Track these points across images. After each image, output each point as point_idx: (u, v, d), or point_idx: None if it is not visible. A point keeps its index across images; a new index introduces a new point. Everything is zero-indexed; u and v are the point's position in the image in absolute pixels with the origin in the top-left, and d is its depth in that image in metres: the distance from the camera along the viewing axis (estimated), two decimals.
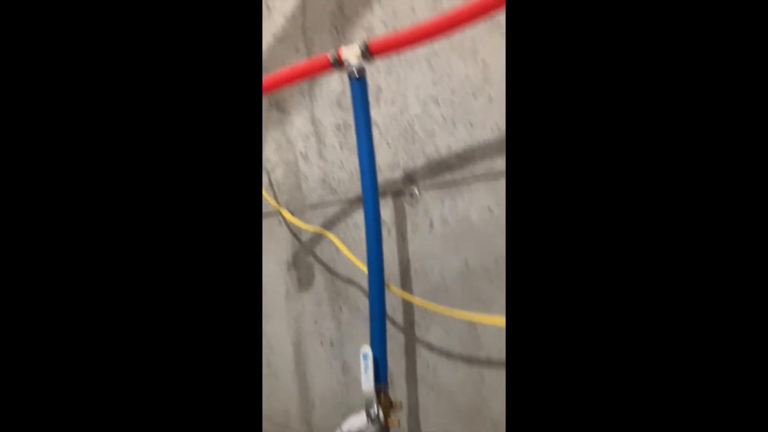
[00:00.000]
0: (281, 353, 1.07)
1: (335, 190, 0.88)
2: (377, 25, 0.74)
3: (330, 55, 0.55)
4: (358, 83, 0.52)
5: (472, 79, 0.66)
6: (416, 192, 0.74)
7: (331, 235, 0.87)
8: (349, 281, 0.88)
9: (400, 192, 0.77)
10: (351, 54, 0.53)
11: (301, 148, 0.94)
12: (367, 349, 0.60)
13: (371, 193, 0.59)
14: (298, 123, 0.94)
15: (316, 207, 0.93)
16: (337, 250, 0.88)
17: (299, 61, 0.89)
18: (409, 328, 0.80)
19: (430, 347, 0.77)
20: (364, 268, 0.81)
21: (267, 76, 0.62)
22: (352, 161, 0.83)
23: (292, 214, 0.99)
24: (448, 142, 0.69)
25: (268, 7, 0.96)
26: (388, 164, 0.77)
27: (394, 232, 0.78)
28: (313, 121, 0.90)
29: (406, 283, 0.78)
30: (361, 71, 0.54)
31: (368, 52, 0.52)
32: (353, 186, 0.84)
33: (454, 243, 0.70)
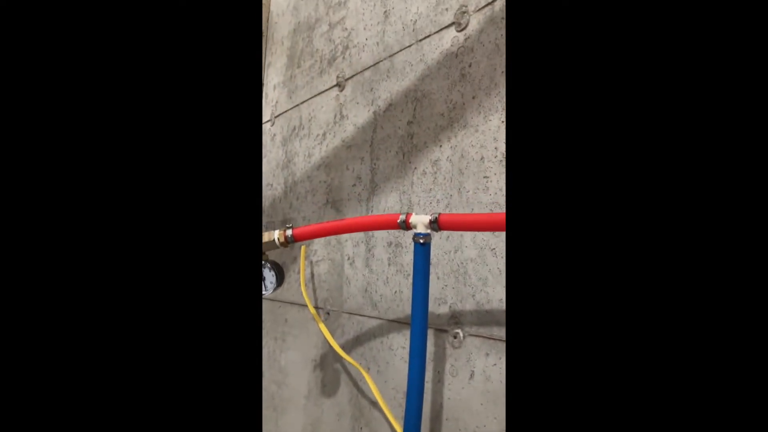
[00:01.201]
0: None
1: (376, 304, 0.86)
2: (444, 162, 0.76)
3: (399, 219, 0.55)
4: (422, 249, 0.52)
5: None
6: (461, 335, 0.70)
7: (360, 368, 0.85)
8: (374, 404, 0.84)
9: (444, 330, 0.74)
10: (420, 222, 0.53)
11: (349, 252, 0.94)
12: None
13: (418, 355, 0.56)
14: None
15: (353, 314, 0.91)
16: (368, 368, 0.85)
17: (362, 169, 0.92)
18: None
19: None
20: (387, 411, 0.78)
21: (332, 223, 0.64)
22: (397, 281, 0.82)
23: (328, 314, 0.97)
24: (501, 295, 0.66)
25: (342, 114, 1.02)
26: (435, 298, 0.75)
27: (430, 369, 0.75)
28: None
29: (435, 430, 0.73)
30: (427, 238, 0.54)
31: (437, 225, 0.52)
32: (394, 306, 0.82)
33: (495, 404, 0.65)
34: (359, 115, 0.97)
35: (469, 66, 0.73)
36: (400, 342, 0.80)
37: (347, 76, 1.01)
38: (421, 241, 0.52)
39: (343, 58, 1.03)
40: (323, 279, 1.00)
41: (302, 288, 1.00)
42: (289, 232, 0.67)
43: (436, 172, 0.77)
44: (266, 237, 0.69)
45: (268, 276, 0.76)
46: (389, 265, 0.85)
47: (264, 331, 1.19)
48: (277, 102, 1.29)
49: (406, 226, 0.55)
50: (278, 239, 0.68)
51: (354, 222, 0.60)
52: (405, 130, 0.85)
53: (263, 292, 0.78)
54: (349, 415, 0.89)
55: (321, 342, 0.99)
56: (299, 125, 1.17)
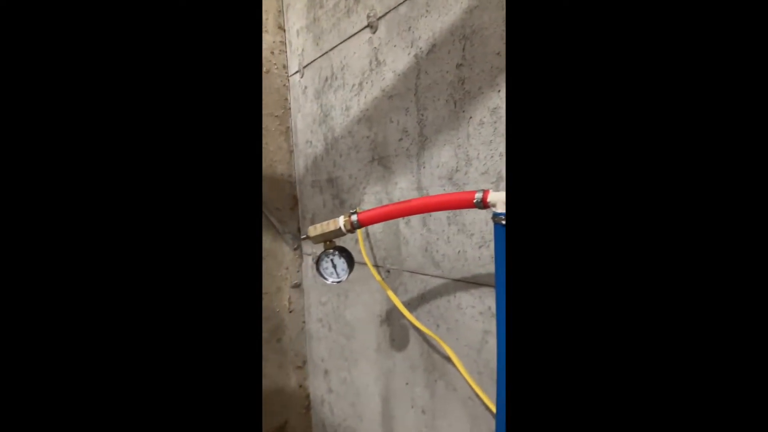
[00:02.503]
0: (367, 400, 1.09)
1: (438, 264, 0.84)
2: (502, 106, 0.67)
3: (475, 198, 0.50)
4: (503, 229, 0.47)
5: None
6: None
7: (428, 331, 0.85)
8: (447, 359, 0.85)
9: None
10: (499, 200, 0.48)
11: None
12: None
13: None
14: (403, 185, 0.90)
15: (415, 273, 0.90)
16: (436, 325, 0.86)
17: (407, 121, 0.85)
18: None
19: None
20: (461, 367, 0.78)
21: (398, 205, 0.59)
22: (459, 241, 0.79)
23: (388, 272, 0.97)
24: None
25: (378, 60, 0.92)
26: None
27: None
28: (419, 188, 0.86)
29: None
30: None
31: None
32: (458, 266, 0.80)
33: None
34: (398, 60, 0.87)
35: None
36: (469, 301, 0.79)
37: (379, 15, 0.90)
38: (503, 222, 0.47)
39: None
40: (378, 238, 0.99)
41: (361, 247, 0.99)
42: (354, 218, 0.64)
43: (495, 122, 0.69)
44: (332, 225, 0.66)
45: (339, 263, 0.75)
46: (449, 224, 0.81)
47: (326, 288, 1.22)
48: (303, 50, 1.19)
49: (483, 205, 0.50)
50: (344, 227, 0.65)
51: (422, 202, 0.55)
52: (454, 74, 0.75)
53: (336, 279, 0.77)
54: (422, 368, 0.91)
55: (384, 299, 1.01)
56: (331, 75, 1.08)
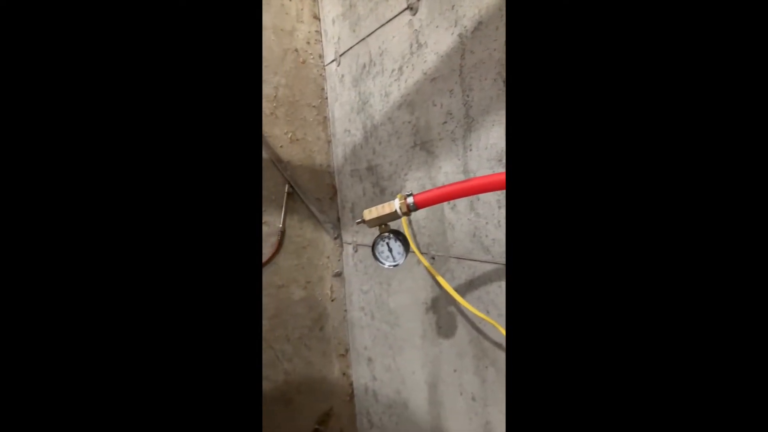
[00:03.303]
0: (413, 387, 1.09)
1: (488, 249, 0.82)
2: None
3: None
4: None
5: None
6: None
7: (483, 316, 0.83)
8: (498, 345, 0.84)
9: None
10: None
11: None
12: None
13: None
14: (447, 169, 0.88)
15: (462, 259, 0.88)
16: (486, 311, 0.84)
17: (452, 103, 0.83)
18: None
19: None
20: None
21: (457, 185, 0.57)
22: None
23: (433, 259, 0.96)
24: None
25: (418, 42, 0.90)
26: None
27: None
28: (465, 171, 0.84)
29: None
30: None
31: None
32: None
33: None
34: (440, 41, 0.85)
35: None
36: None
37: None
38: None
39: None
40: (422, 225, 0.98)
41: (406, 233, 0.98)
42: (410, 200, 0.63)
43: None
44: (387, 208, 0.65)
45: (395, 247, 0.74)
46: (499, 207, 0.79)
47: (367, 277, 1.23)
48: (339, 38, 1.18)
49: None
50: (400, 209, 0.64)
51: (484, 182, 0.54)
52: (503, 51, 0.73)
53: (393, 263, 0.76)
54: (470, 355, 0.90)
55: (429, 285, 1.00)
56: (369, 62, 1.07)
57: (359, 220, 0.71)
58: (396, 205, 0.64)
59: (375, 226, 0.70)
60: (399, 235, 0.74)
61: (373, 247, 0.76)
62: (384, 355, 1.20)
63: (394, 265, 0.76)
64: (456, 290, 0.90)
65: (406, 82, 0.96)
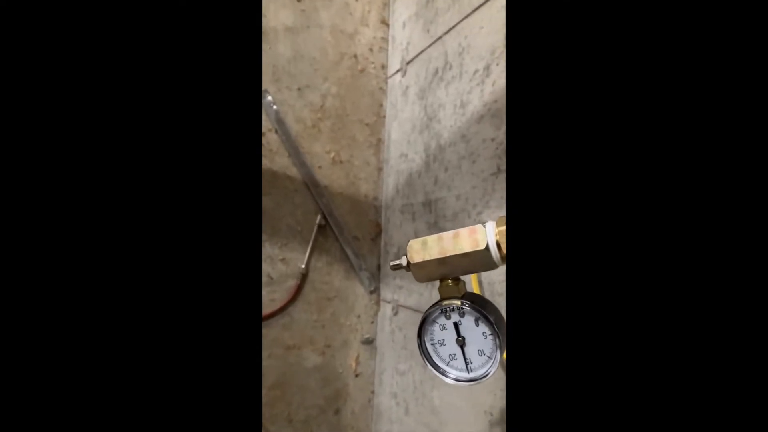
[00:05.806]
0: (446, 420, 0.70)
1: None
2: None
3: None
4: None
5: None
6: None
7: None
8: None
9: None
10: None
11: None
12: None
13: None
14: None
15: None
16: None
17: None
18: None
19: None
20: None
21: None
22: None
23: None
24: None
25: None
26: None
27: None
28: None
29: None
30: None
31: None
32: None
33: None
34: None
35: None
36: None
37: None
38: None
39: None
40: (497, 280, 0.65)
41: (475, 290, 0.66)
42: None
43: None
44: (466, 240, 0.32)
45: (475, 336, 0.36)
46: None
47: (406, 353, 0.89)
48: (408, 43, 0.96)
49: None
50: (497, 248, 0.31)
51: None
52: None
53: (467, 376, 0.37)
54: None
55: (500, 388, 0.65)
56: (444, 65, 0.83)
57: (397, 262, 0.37)
58: (489, 235, 0.31)
59: (431, 278, 0.38)
60: (485, 308, 0.36)
61: (422, 327, 0.39)
62: None
63: (469, 380, 0.37)
64: None
65: (493, 84, 0.69)
